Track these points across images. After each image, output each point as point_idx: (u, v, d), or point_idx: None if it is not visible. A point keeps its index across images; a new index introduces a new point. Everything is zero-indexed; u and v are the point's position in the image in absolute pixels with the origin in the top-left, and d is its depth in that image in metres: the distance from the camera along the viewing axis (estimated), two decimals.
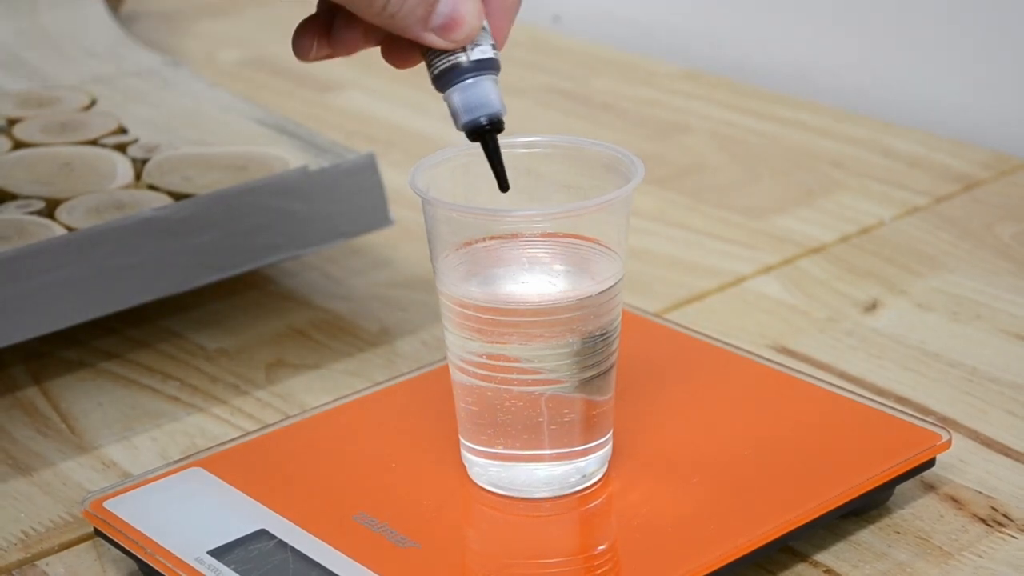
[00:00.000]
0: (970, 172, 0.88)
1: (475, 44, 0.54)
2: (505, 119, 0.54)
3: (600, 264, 0.54)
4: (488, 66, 0.54)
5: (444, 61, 0.54)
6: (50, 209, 0.71)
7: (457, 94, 0.54)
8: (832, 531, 0.57)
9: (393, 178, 0.78)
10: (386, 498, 0.56)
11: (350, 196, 0.74)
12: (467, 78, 0.54)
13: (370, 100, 1.02)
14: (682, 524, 0.54)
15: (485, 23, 0.54)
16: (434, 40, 0.53)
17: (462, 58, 0.53)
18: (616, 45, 1.13)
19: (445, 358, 0.56)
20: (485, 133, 0.53)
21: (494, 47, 0.54)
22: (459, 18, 0.53)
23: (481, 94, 0.54)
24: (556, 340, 0.53)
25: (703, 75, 1.06)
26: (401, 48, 0.56)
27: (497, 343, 0.53)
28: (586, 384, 0.54)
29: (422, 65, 0.55)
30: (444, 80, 0.54)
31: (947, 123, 0.97)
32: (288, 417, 0.62)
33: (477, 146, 0.54)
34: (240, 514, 0.55)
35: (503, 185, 0.54)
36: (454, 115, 0.54)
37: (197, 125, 0.81)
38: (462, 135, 0.54)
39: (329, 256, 0.80)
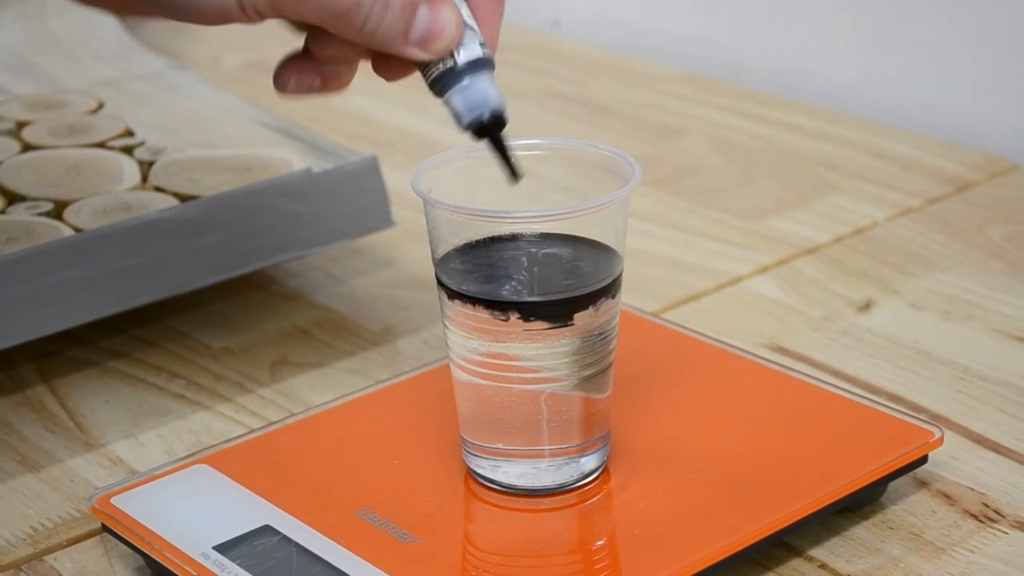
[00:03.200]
0: (962, 174, 0.89)
1: (462, 45, 0.54)
2: (506, 112, 0.54)
3: (598, 264, 0.54)
4: (482, 65, 0.54)
5: (437, 67, 0.54)
6: (58, 210, 0.71)
7: (456, 96, 0.54)
8: (826, 527, 0.58)
9: (395, 180, 0.78)
10: (388, 494, 0.56)
11: (353, 197, 0.74)
12: (463, 79, 0.54)
13: (372, 103, 1.02)
14: (679, 520, 0.54)
15: (474, 23, 0.54)
16: (416, 53, 0.54)
17: (453, 61, 0.54)
18: (614, 49, 1.13)
19: (446, 357, 0.56)
20: (489, 129, 0.54)
21: (483, 44, 0.54)
22: (438, 29, 0.53)
23: (479, 92, 0.54)
24: (555, 339, 0.53)
25: (700, 78, 1.06)
26: (390, 60, 0.55)
27: (497, 342, 0.53)
28: (585, 382, 0.55)
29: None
30: (440, 85, 0.54)
31: (940, 126, 0.97)
32: (292, 415, 0.62)
33: (477, 148, 0.54)
34: (245, 510, 0.56)
35: (514, 176, 0.54)
36: (456, 117, 0.54)
37: (202, 128, 0.81)
38: (463, 137, 0.54)
39: (332, 256, 0.80)
